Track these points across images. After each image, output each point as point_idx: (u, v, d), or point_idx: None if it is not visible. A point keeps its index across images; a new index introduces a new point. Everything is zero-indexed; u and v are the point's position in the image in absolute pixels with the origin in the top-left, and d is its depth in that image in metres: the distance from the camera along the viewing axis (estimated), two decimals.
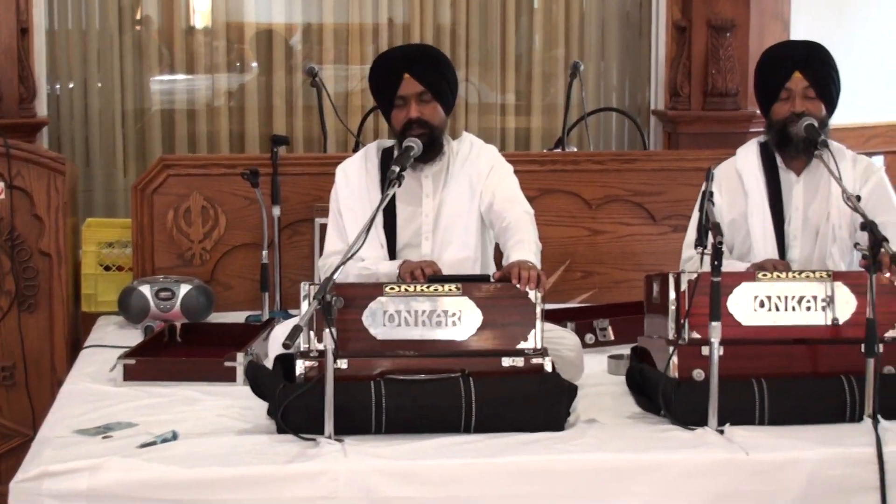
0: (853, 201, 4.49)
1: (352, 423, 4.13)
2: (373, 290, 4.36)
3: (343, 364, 4.23)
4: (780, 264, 4.85)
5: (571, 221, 6.40)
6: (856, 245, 4.49)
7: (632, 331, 5.13)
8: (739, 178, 5.17)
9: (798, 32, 7.24)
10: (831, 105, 5.11)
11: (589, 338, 5.43)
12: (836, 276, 4.47)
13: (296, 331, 3.95)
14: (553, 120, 7.76)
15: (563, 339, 4.82)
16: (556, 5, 7.85)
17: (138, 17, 7.58)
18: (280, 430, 4.16)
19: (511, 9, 7.81)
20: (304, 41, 7.74)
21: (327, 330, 4.04)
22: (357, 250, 4.34)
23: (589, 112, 7.23)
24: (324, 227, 5.19)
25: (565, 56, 7.85)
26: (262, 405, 4.32)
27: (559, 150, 6.86)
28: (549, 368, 4.34)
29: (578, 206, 6.42)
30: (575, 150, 7.05)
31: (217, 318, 5.94)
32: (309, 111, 7.37)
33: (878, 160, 7.69)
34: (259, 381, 4.33)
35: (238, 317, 5.99)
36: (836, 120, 6.36)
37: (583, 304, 6.08)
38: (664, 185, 6.43)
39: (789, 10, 7.43)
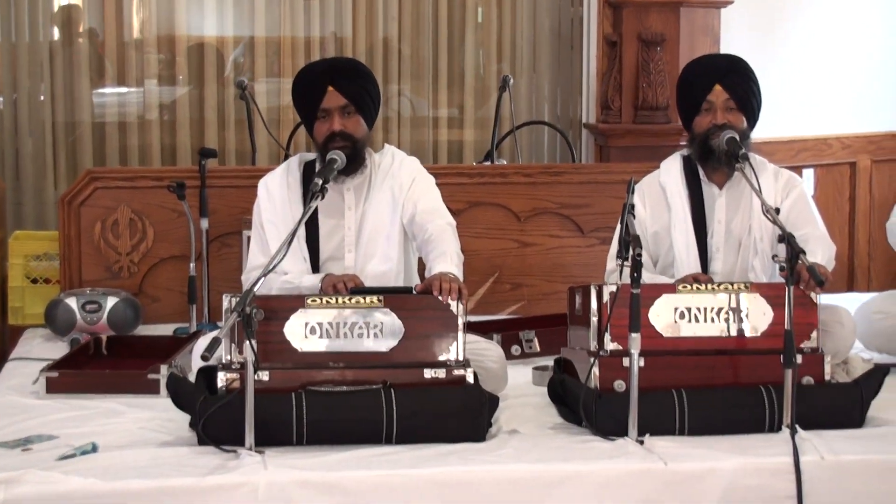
0: (772, 214, 4.53)
1: (273, 435, 4.14)
2: (294, 302, 4.38)
3: (265, 376, 4.24)
4: (700, 277, 4.88)
5: (500, 234, 6.43)
6: (774, 257, 4.53)
7: (558, 342, 5.15)
8: (663, 191, 5.20)
9: (727, 47, 7.31)
10: (752, 118, 5.14)
11: (515, 349, 5.45)
12: (753, 287, 4.52)
13: (214, 343, 3.95)
14: (486, 133, 7.77)
15: (486, 350, 4.83)
16: (489, 19, 7.87)
17: (81, 29, 7.54)
18: (201, 442, 4.16)
19: (444, 22, 7.83)
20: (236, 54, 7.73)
21: (248, 342, 4.05)
22: (278, 263, 4.35)
23: (518, 125, 7.26)
24: None
25: (498, 70, 7.87)
26: (185, 417, 4.31)
27: (488, 163, 6.89)
28: (470, 380, 4.36)
29: (507, 219, 6.44)
30: (504, 163, 7.07)
31: (145, 330, 5.93)
32: (242, 124, 7.35)
33: (808, 173, 7.79)
34: (180, 393, 4.31)
35: (166, 329, 5.97)
36: (766, 133, 6.45)
37: (510, 316, 6.11)
38: (592, 197, 6.46)
39: (719, 24, 7.49)
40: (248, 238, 5.76)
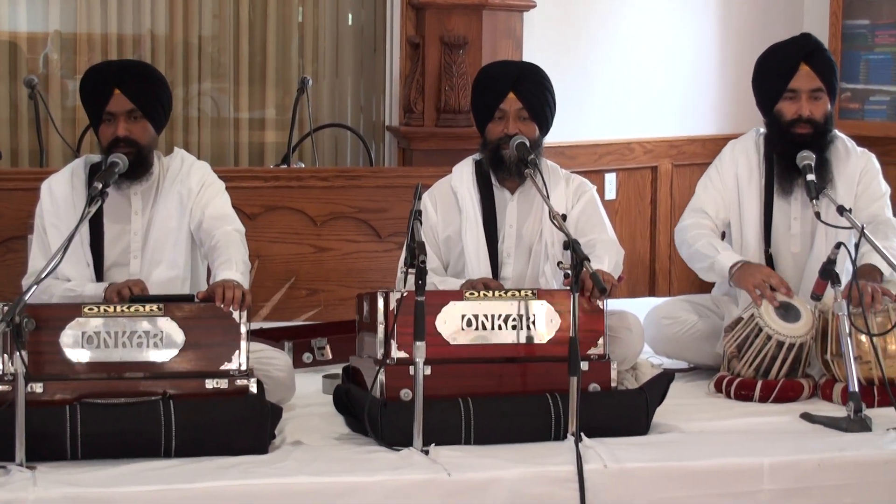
0: (558, 220, 4.53)
1: (46, 450, 4.01)
2: (70, 310, 4.25)
3: (38, 388, 4.11)
4: (490, 282, 4.86)
5: (296, 238, 6.35)
6: (559, 264, 4.52)
7: (350, 349, 5.08)
8: (455, 195, 5.17)
9: (530, 51, 7.32)
10: (545, 126, 5.14)
11: (307, 357, 5.38)
12: (541, 294, 4.50)
13: None
14: (287, 135, 7.69)
15: (273, 359, 4.74)
16: (290, 20, 7.76)
17: None
18: None
19: (245, 22, 7.69)
20: (29, 51, 7.50)
21: (18, 353, 3.91)
22: (53, 268, 4.23)
23: (315, 128, 7.17)
24: None
25: (300, 71, 7.77)
26: None
27: (284, 167, 6.80)
28: (254, 390, 4.27)
29: (303, 223, 6.37)
30: (303, 166, 6.99)
31: None
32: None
33: (611, 177, 7.84)
34: None
35: None
36: (570, 137, 6.45)
37: (303, 323, 6.02)
38: (389, 201, 6.42)
39: (521, 28, 7.49)
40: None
